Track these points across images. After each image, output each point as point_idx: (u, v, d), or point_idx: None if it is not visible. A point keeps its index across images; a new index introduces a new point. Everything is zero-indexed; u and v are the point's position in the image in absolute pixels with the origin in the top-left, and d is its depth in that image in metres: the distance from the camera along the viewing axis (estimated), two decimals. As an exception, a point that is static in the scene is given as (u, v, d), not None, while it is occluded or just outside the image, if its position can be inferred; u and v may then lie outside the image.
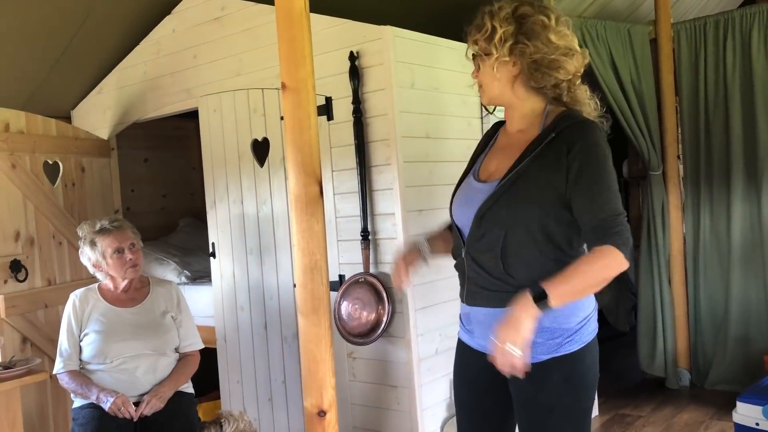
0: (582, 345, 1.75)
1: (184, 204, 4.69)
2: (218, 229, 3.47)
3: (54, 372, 2.75)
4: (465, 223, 1.81)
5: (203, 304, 3.64)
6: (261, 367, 3.34)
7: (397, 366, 2.87)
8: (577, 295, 1.67)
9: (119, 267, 2.83)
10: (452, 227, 1.90)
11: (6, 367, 2.30)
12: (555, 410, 1.75)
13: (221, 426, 2.74)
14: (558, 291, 1.60)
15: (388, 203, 2.84)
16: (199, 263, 3.99)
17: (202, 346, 2.98)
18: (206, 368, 3.31)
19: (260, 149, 3.27)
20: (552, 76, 1.76)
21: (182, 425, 2.70)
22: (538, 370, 1.70)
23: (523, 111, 1.82)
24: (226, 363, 3.49)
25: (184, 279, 3.88)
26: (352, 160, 2.89)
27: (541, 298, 1.59)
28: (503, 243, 1.72)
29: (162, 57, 3.63)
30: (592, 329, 1.79)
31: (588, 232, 1.67)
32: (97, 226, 2.85)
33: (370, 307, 2.87)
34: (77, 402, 2.76)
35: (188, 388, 2.90)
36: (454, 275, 2.31)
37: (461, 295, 1.87)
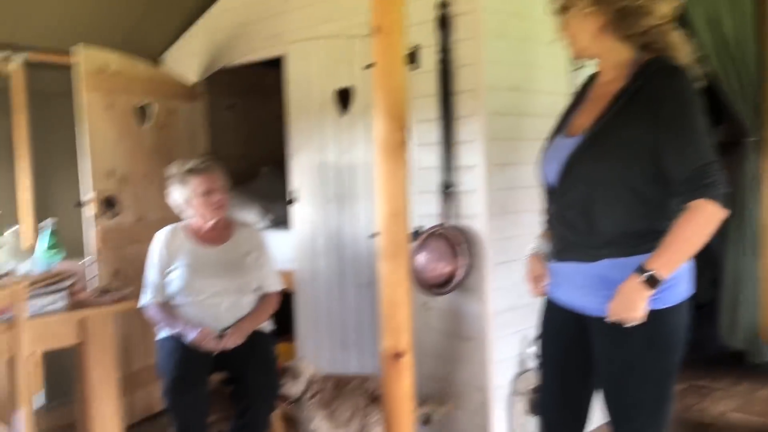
0: (667, 305, 1.72)
1: (266, 152, 4.77)
2: (299, 177, 3.53)
3: (141, 304, 2.89)
4: (552, 179, 1.82)
5: (282, 250, 3.73)
6: (336, 313, 3.42)
7: (470, 318, 2.88)
8: (683, 260, 1.66)
9: (206, 207, 2.93)
10: (542, 185, 1.91)
11: (102, 294, 2.44)
12: (635, 368, 1.74)
13: (296, 374, 2.83)
14: (662, 263, 1.62)
15: (471, 156, 2.82)
16: (278, 210, 4.08)
17: (281, 287, 3.07)
18: (283, 311, 3.41)
19: (344, 98, 3.28)
20: (640, 23, 1.70)
21: (260, 360, 2.80)
22: (620, 327, 1.69)
23: (613, 61, 1.77)
24: (303, 307, 3.59)
25: (265, 224, 3.98)
26: (434, 111, 2.87)
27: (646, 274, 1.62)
28: (588, 199, 1.71)
29: (252, 2, 3.66)
30: (681, 291, 1.75)
31: (679, 185, 1.62)
32: (188, 166, 2.95)
33: (447, 259, 2.88)
34: (162, 333, 2.90)
35: (267, 326, 3.00)
36: (535, 231, 2.29)
37: (552, 252, 1.89)
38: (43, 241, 2.61)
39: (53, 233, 2.64)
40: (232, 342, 2.76)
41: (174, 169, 2.98)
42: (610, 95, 1.72)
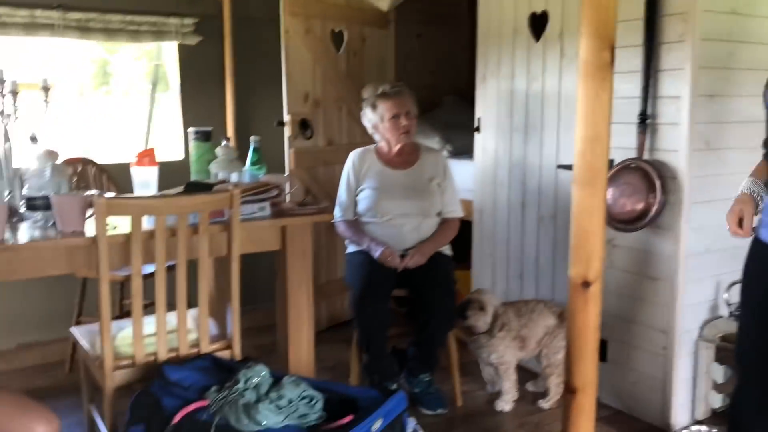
0: None
1: (450, 81, 4.77)
2: (485, 105, 3.50)
3: (333, 220, 3.06)
4: None
5: (462, 179, 3.74)
6: (514, 244, 3.41)
7: (660, 258, 2.75)
8: None
9: (393, 131, 3.01)
10: None
11: (300, 206, 2.61)
12: None
13: (483, 305, 2.89)
14: None
15: (676, 85, 2.63)
16: (460, 139, 4.09)
17: (462, 214, 3.12)
18: (461, 240, 3.46)
19: (538, 23, 3.18)
20: None
21: (440, 280, 2.89)
22: None
23: None
24: (481, 236, 3.61)
25: (446, 153, 4.01)
26: (636, 36, 2.69)
27: None
28: None
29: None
30: None
31: None
32: (380, 90, 3.04)
33: (639, 195, 2.74)
34: (350, 248, 3.07)
35: (447, 250, 3.07)
36: (742, 171, 2.12)
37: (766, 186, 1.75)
38: (249, 156, 2.83)
39: (256, 150, 2.85)
40: (413, 262, 2.86)
41: (367, 91, 3.07)
42: None
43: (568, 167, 2.99)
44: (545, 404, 2.99)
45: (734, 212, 1.95)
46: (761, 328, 1.87)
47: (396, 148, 3.07)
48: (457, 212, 3.11)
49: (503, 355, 2.88)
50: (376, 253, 2.87)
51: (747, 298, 1.91)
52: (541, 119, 3.20)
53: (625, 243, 2.88)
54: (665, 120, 2.68)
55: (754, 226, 1.94)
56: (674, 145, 2.66)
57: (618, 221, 2.83)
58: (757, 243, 1.85)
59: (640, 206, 2.75)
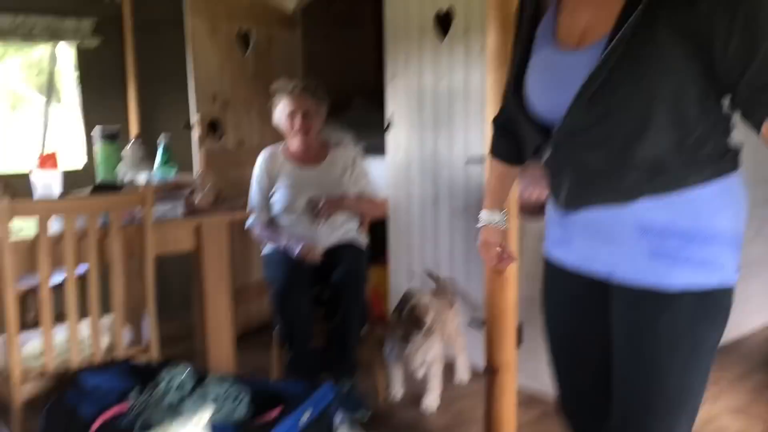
0: (727, 284, 1.28)
1: (359, 82, 4.81)
2: (396, 103, 3.56)
3: (247, 225, 3.03)
4: (554, 110, 1.30)
5: (375, 177, 3.79)
6: (429, 238, 3.48)
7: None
8: None
9: (288, 129, 3.03)
10: (519, 120, 1.42)
11: (215, 204, 2.57)
12: (675, 350, 1.29)
13: (423, 311, 2.87)
14: None
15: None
16: (371, 138, 4.14)
17: (381, 195, 3.15)
18: (377, 236, 3.50)
19: (443, 22, 3.26)
20: None
21: (353, 280, 2.87)
22: (662, 295, 1.28)
23: None
24: (396, 232, 3.66)
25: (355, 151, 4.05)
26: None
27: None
28: (626, 132, 1.22)
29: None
30: (739, 265, 1.31)
31: (748, 96, 1.16)
32: (283, 87, 3.04)
33: (539, 185, 2.86)
34: (267, 248, 3.04)
35: (362, 241, 3.09)
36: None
37: (555, 200, 1.43)
38: (159, 155, 2.75)
39: (166, 148, 2.78)
40: (324, 211, 2.90)
41: (275, 86, 3.07)
42: None
43: (477, 160, 3.09)
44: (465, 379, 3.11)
45: (487, 244, 1.65)
46: (567, 358, 1.54)
47: (297, 145, 3.06)
48: (377, 193, 3.15)
49: (438, 352, 2.90)
50: (296, 249, 2.86)
51: (548, 326, 1.56)
52: (449, 115, 3.29)
53: (535, 229, 2.99)
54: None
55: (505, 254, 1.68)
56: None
57: (527, 209, 2.94)
58: (550, 266, 1.51)
59: (546, 194, 2.87)
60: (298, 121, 2.99)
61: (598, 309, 1.39)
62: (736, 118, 1.27)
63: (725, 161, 1.27)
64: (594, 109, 1.22)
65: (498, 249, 1.64)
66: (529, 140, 1.44)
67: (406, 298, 2.90)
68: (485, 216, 1.65)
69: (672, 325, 1.27)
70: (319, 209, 2.90)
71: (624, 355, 1.34)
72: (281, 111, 3.04)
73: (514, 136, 1.51)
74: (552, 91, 1.31)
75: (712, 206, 1.25)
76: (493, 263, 1.66)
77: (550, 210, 1.48)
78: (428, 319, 2.82)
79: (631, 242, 1.29)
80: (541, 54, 1.35)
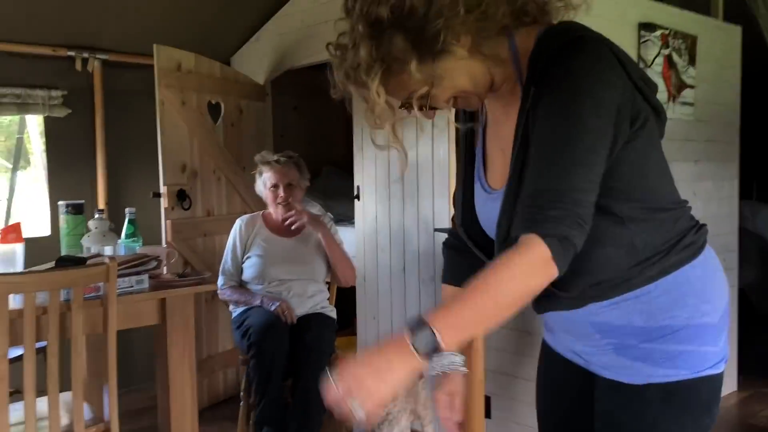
0: (699, 373, 1.21)
1: (327, 151, 4.89)
2: (363, 173, 3.61)
3: (218, 286, 3.02)
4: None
5: (344, 245, 3.82)
6: (398, 306, 3.48)
7: (534, 314, 2.90)
8: (481, 325, 1.07)
9: (271, 201, 3.06)
10: (469, 248, 1.41)
11: (180, 277, 2.55)
12: None
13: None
14: (447, 323, 1.02)
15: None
16: (340, 207, 4.18)
17: (354, 266, 3.16)
18: (345, 305, 3.49)
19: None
20: (495, 12, 1.13)
21: (323, 342, 2.86)
22: (628, 392, 1.25)
23: (497, 75, 1.21)
24: (365, 301, 3.66)
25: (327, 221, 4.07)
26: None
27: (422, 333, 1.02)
28: None
29: (320, 5, 3.78)
30: (718, 351, 1.23)
31: (520, 207, 1.10)
32: (267, 158, 3.09)
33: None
34: (237, 311, 3.00)
35: (331, 312, 3.08)
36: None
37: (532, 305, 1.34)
38: (124, 229, 2.74)
39: (131, 222, 2.77)
40: (297, 214, 2.93)
41: (258, 157, 3.12)
42: (513, 119, 1.19)
43: (445, 230, 3.13)
44: None
45: (452, 395, 1.41)
46: None
47: (277, 215, 3.10)
48: (350, 258, 3.16)
49: (404, 427, 2.84)
50: (272, 306, 2.85)
51: (539, 405, 1.51)
52: (416, 185, 3.34)
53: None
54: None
55: None
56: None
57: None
58: (545, 347, 1.47)
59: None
60: (281, 192, 3.03)
61: (585, 395, 1.35)
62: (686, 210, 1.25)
63: (675, 254, 1.20)
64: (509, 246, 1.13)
65: (457, 396, 1.40)
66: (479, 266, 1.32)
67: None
68: (445, 360, 1.37)
69: (639, 418, 1.23)
70: (293, 209, 2.90)
71: None
72: (264, 181, 3.07)
73: (468, 256, 1.43)
74: (491, 222, 1.26)
75: (664, 303, 1.19)
76: (456, 419, 1.39)
77: None
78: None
79: (596, 340, 1.27)
80: (478, 195, 1.35)
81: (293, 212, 2.94)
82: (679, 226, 1.23)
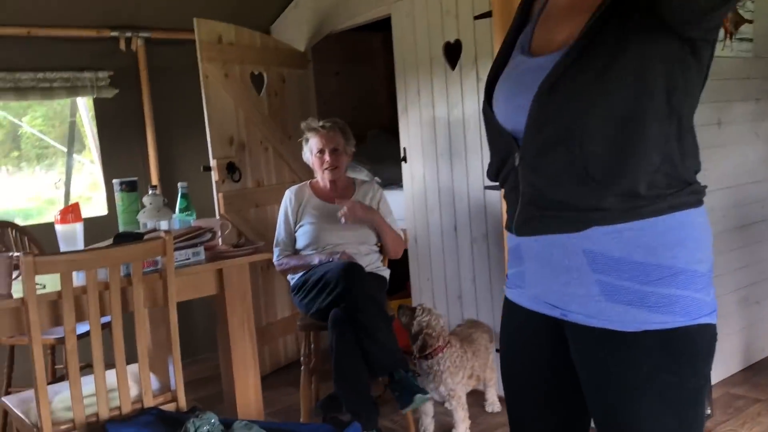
0: (697, 320, 1.16)
1: (371, 116, 4.85)
2: (409, 134, 3.58)
3: (274, 259, 3.05)
4: (515, 118, 1.23)
5: (393, 209, 3.80)
6: (451, 267, 3.46)
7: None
8: None
9: (318, 166, 3.07)
10: (492, 132, 1.32)
11: (235, 247, 2.58)
12: (643, 399, 1.18)
13: (414, 311, 2.87)
14: None
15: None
16: (388, 171, 4.16)
17: (403, 237, 3.16)
18: (398, 269, 3.49)
19: (452, 52, 3.29)
20: None
21: (374, 292, 2.84)
22: (620, 341, 1.18)
23: None
24: (417, 263, 3.65)
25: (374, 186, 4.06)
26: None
27: None
28: (580, 141, 1.13)
29: (355, -34, 3.72)
30: (710, 302, 1.19)
31: None
32: (312, 125, 3.09)
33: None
34: (295, 278, 3.03)
35: (385, 272, 3.09)
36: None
37: (509, 224, 1.30)
38: (177, 203, 2.79)
39: (184, 196, 2.81)
40: (349, 208, 2.92)
41: (304, 124, 3.13)
42: None
43: (496, 187, 3.08)
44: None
45: None
46: (526, 406, 1.40)
47: (326, 182, 3.10)
48: (400, 232, 3.15)
49: (454, 389, 2.85)
50: (336, 257, 2.87)
51: (504, 371, 1.43)
52: (464, 143, 3.29)
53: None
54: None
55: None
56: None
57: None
58: (505, 301, 1.41)
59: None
60: (327, 157, 3.03)
61: (557, 350, 1.28)
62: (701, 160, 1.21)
63: (685, 195, 1.17)
64: (547, 108, 1.15)
65: None
66: (495, 152, 1.33)
67: (399, 305, 2.87)
68: None
69: (634, 368, 1.17)
70: (346, 205, 2.90)
71: (592, 404, 1.25)
72: (310, 148, 3.08)
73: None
74: (514, 94, 1.24)
75: (668, 241, 1.15)
76: None
77: (509, 242, 1.37)
78: (417, 322, 2.79)
79: (582, 279, 1.19)
80: (512, 61, 1.30)
81: (345, 211, 2.91)
82: (692, 167, 1.20)
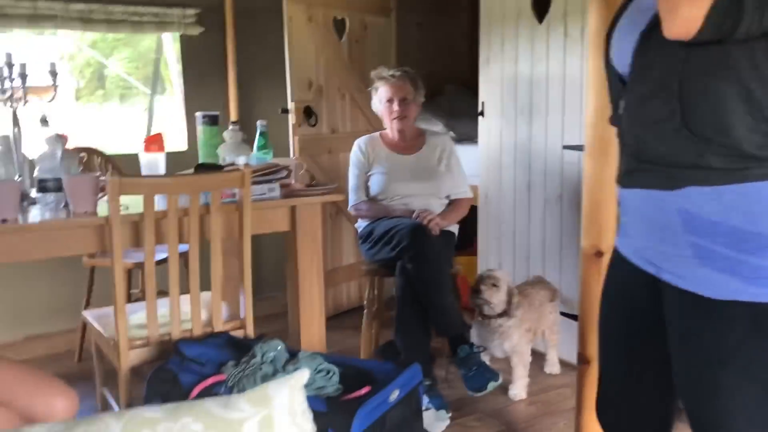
0: None
1: (451, 69, 4.78)
2: (489, 89, 3.51)
3: (351, 205, 3.10)
4: (623, 60, 1.20)
5: (466, 164, 3.75)
6: (521, 227, 3.42)
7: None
8: None
9: (386, 116, 3.06)
10: (608, 73, 1.29)
11: (309, 187, 2.62)
12: (730, 365, 1.14)
13: (496, 285, 2.81)
14: None
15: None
16: (463, 126, 4.11)
17: (471, 195, 3.14)
18: (466, 225, 3.47)
19: (541, 5, 3.19)
20: None
21: (444, 258, 2.87)
22: (708, 308, 1.14)
23: None
24: (486, 220, 3.62)
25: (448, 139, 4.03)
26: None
27: None
28: (683, 75, 1.06)
29: None
30: None
31: None
32: (382, 74, 3.07)
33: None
34: (362, 224, 3.07)
35: (453, 228, 3.09)
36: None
37: (617, 176, 1.32)
38: (256, 141, 2.83)
39: (263, 134, 2.85)
40: (434, 223, 2.89)
41: (374, 73, 3.12)
42: None
43: (575, 147, 3.00)
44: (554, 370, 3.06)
45: None
46: (618, 359, 1.41)
47: (394, 132, 3.10)
48: (467, 193, 3.14)
49: (517, 344, 2.84)
50: (414, 213, 2.90)
51: (603, 330, 1.44)
52: (545, 101, 3.21)
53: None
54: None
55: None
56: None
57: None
58: (615, 252, 1.40)
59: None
60: (396, 107, 3.02)
61: (652, 307, 1.26)
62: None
63: None
64: (649, 51, 1.10)
65: None
66: (610, 96, 1.31)
67: (482, 275, 2.86)
68: None
69: (720, 338, 1.12)
70: (428, 222, 2.89)
71: (677, 365, 1.23)
72: (380, 97, 3.08)
73: None
74: (624, 33, 1.20)
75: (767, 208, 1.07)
76: None
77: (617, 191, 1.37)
78: (498, 298, 2.76)
79: (676, 239, 1.15)
80: (624, 13, 1.26)
81: (433, 221, 2.89)
82: None
